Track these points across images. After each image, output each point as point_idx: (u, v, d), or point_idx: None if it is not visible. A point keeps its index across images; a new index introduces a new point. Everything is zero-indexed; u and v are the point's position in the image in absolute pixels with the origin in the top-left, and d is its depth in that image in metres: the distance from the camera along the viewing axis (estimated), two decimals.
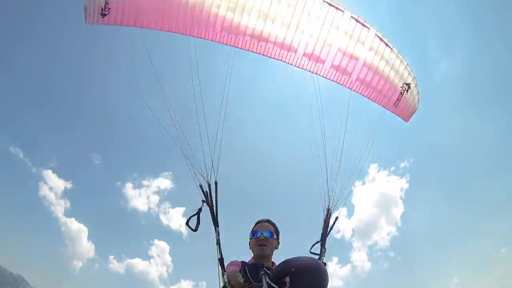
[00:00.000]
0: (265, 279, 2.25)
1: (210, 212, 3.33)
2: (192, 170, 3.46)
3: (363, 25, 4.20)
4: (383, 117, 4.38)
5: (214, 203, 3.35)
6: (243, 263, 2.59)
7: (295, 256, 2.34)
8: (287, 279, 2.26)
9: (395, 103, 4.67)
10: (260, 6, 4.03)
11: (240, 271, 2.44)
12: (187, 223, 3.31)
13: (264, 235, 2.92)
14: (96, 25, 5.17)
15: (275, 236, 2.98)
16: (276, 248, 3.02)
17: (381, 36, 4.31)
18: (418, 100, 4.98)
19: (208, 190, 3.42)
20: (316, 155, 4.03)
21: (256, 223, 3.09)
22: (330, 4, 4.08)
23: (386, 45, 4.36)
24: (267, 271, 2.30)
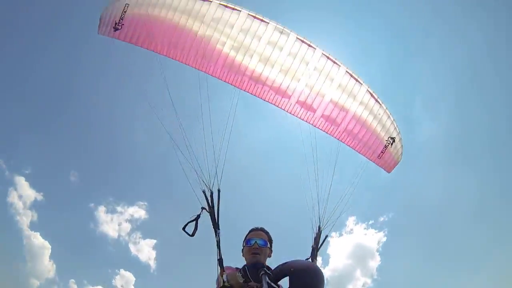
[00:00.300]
0: (265, 279, 2.29)
1: (211, 217, 3.39)
2: (197, 176, 3.58)
3: (357, 80, 4.44)
4: (365, 171, 4.57)
5: (216, 210, 3.42)
6: (238, 268, 2.67)
7: (293, 259, 2.46)
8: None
9: (379, 155, 4.89)
10: (263, 50, 4.24)
11: (240, 271, 2.49)
12: (183, 228, 3.35)
13: (258, 244, 2.93)
14: (107, 37, 5.32)
15: (268, 245, 3.02)
16: (269, 256, 3.04)
17: (372, 92, 4.56)
18: (401, 153, 5.22)
19: (209, 197, 3.50)
20: (308, 182, 4.18)
21: (250, 231, 3.12)
22: (328, 58, 4.32)
23: (376, 100, 4.61)
24: (267, 271, 2.34)
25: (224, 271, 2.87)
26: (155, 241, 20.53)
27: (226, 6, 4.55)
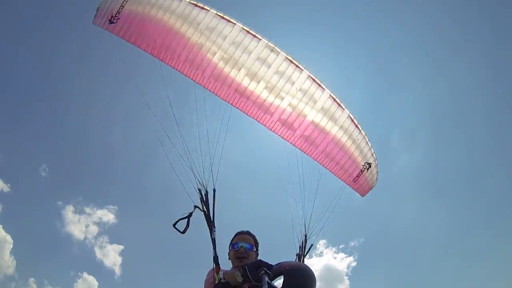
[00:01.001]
0: (265, 279, 2.28)
1: (205, 216, 3.40)
2: (192, 175, 3.59)
3: (339, 105, 4.57)
4: (338, 196, 4.64)
5: (211, 209, 3.43)
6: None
7: (286, 260, 2.55)
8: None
9: (354, 179, 5.02)
10: (251, 65, 4.31)
11: (239, 270, 2.47)
12: (174, 225, 3.33)
13: (244, 248, 2.93)
14: (102, 28, 5.30)
15: (254, 248, 3.01)
16: (255, 260, 3.02)
17: (352, 117, 4.69)
18: (376, 179, 5.37)
19: (203, 196, 3.50)
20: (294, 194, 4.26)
21: (236, 235, 3.10)
22: (314, 80, 4.43)
23: (356, 126, 4.74)
24: (267, 270, 2.33)
25: (219, 268, 2.88)
26: (122, 247, 19.97)
27: (222, 17, 4.61)
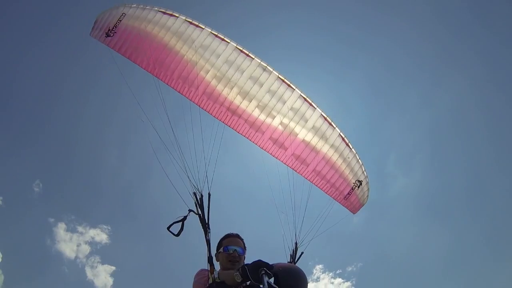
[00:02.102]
0: (265, 278, 2.27)
1: (200, 219, 3.41)
2: (187, 178, 3.62)
3: (330, 124, 4.63)
4: (335, 219, 4.62)
5: (206, 212, 3.45)
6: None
7: (279, 261, 2.55)
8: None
9: (345, 197, 5.05)
10: (243, 84, 4.38)
11: (238, 270, 2.45)
12: (168, 228, 3.33)
13: (238, 252, 2.95)
14: (98, 41, 5.37)
15: (245, 253, 3.04)
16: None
17: (343, 136, 4.75)
18: (367, 196, 5.40)
19: (198, 200, 3.52)
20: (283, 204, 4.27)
21: (226, 237, 3.10)
22: (305, 100, 4.50)
23: (347, 144, 4.80)
24: (267, 270, 2.31)
25: (214, 269, 2.87)
26: (114, 268, 19.38)
27: (216, 36, 4.70)
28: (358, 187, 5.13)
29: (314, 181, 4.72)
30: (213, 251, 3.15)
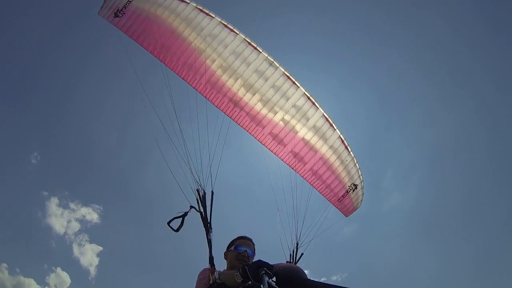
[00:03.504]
0: (266, 278, 2.28)
1: (201, 217, 3.39)
2: (191, 176, 3.58)
3: (331, 125, 4.62)
4: (325, 227, 4.61)
5: (208, 210, 3.43)
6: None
7: (279, 262, 2.56)
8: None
9: (339, 199, 5.05)
10: (248, 76, 4.35)
11: (238, 270, 2.46)
12: (168, 223, 3.32)
13: (248, 253, 2.99)
14: (106, 20, 5.31)
15: (254, 257, 3.06)
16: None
17: (343, 138, 4.74)
18: (361, 200, 5.41)
19: (200, 197, 3.49)
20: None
21: (240, 238, 3.15)
22: (308, 98, 4.48)
23: (346, 147, 4.79)
24: (268, 270, 2.32)
25: (215, 269, 2.87)
26: (101, 248, 19.39)
27: (225, 26, 4.66)
28: (353, 190, 5.14)
29: (310, 181, 4.72)
30: (214, 251, 3.15)
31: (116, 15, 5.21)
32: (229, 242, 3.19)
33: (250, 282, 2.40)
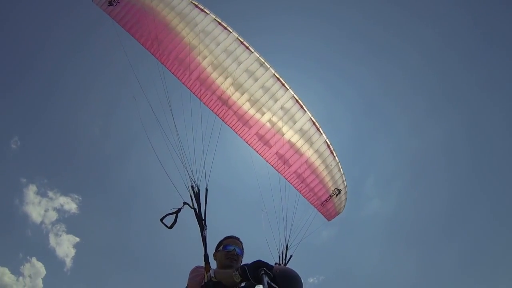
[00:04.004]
0: (265, 278, 2.28)
1: (196, 215, 3.37)
2: (185, 171, 3.55)
3: (317, 129, 4.65)
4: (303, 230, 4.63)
5: (203, 207, 3.41)
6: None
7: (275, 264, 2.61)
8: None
9: (322, 203, 5.10)
10: (238, 76, 4.35)
11: (237, 270, 2.44)
12: (161, 220, 3.30)
13: (236, 251, 3.00)
14: (99, 7, 5.24)
15: (242, 255, 3.07)
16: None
17: (329, 143, 4.78)
18: (344, 205, 5.47)
19: (194, 194, 3.46)
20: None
21: (227, 238, 3.15)
22: (297, 101, 4.50)
23: (331, 152, 4.84)
24: (267, 271, 2.32)
25: (210, 267, 2.87)
26: (78, 239, 19.05)
27: (219, 23, 4.64)
28: (337, 195, 5.19)
29: (294, 183, 4.75)
30: (209, 248, 3.15)
31: (110, 4, 5.14)
32: (217, 243, 3.19)
33: (246, 283, 2.43)
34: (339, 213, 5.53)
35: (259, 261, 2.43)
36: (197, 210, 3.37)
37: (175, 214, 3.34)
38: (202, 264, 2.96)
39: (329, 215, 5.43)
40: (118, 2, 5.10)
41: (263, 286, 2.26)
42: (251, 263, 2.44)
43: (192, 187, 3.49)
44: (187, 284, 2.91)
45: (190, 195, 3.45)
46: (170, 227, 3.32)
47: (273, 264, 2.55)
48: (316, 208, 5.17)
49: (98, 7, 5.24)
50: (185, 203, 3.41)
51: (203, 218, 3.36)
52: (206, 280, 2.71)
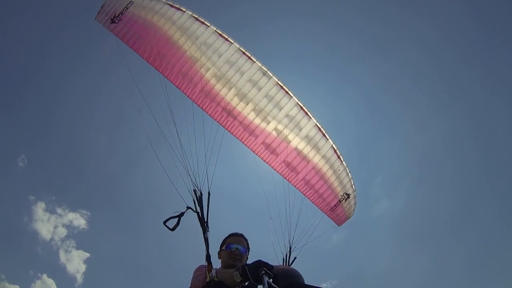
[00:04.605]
0: (266, 278, 2.27)
1: (198, 218, 3.41)
2: (187, 176, 3.61)
3: (323, 135, 4.65)
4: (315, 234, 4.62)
5: (205, 211, 3.45)
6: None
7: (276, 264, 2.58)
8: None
9: (332, 208, 5.07)
10: (242, 86, 4.38)
11: (237, 270, 2.44)
12: (164, 223, 3.33)
13: (239, 250, 2.96)
14: (102, 25, 5.34)
15: (247, 253, 3.05)
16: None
17: (336, 148, 4.77)
18: (354, 210, 5.43)
19: (196, 198, 3.51)
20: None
21: (230, 235, 3.13)
22: (301, 108, 4.51)
23: (338, 157, 4.82)
24: (268, 271, 2.31)
25: (212, 267, 2.87)
26: (88, 255, 19.04)
27: (220, 35, 4.69)
28: (346, 200, 5.16)
29: (302, 190, 4.73)
30: (211, 249, 3.16)
31: (112, 21, 5.24)
32: (221, 241, 3.18)
33: (248, 282, 2.41)
34: (349, 218, 5.49)
35: (259, 261, 2.41)
36: (199, 213, 3.42)
37: (178, 218, 3.37)
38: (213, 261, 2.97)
39: (339, 220, 5.39)
40: (120, 19, 5.19)
41: (263, 286, 2.25)
42: (252, 263, 2.43)
43: (195, 191, 3.54)
44: (191, 283, 2.91)
45: (193, 199, 3.50)
46: (173, 229, 3.34)
47: (280, 265, 2.55)
48: (325, 213, 5.14)
49: (101, 25, 5.36)
50: (188, 207, 3.45)
51: (206, 220, 3.40)
52: (208, 280, 2.72)
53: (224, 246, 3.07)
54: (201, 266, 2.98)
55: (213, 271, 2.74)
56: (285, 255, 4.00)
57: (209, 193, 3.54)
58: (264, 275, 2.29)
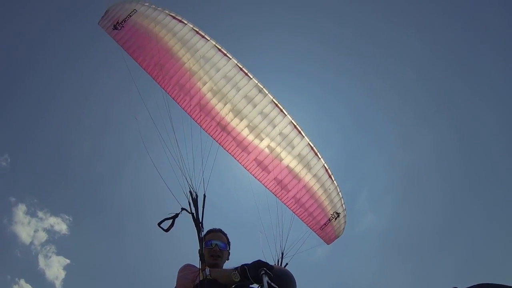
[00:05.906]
0: (265, 278, 2.27)
1: (193, 219, 3.40)
2: (182, 176, 3.63)
3: (316, 154, 4.68)
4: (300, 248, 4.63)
5: (200, 213, 3.44)
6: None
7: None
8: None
9: (321, 227, 5.08)
10: (238, 102, 4.42)
11: (236, 269, 2.44)
12: (159, 224, 3.33)
13: (219, 246, 2.95)
14: (104, 30, 5.40)
15: (227, 248, 3.03)
16: (227, 259, 3.04)
17: (327, 167, 4.80)
18: (343, 228, 5.44)
19: (191, 200, 3.51)
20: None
21: (209, 232, 3.12)
22: (295, 127, 4.55)
23: (329, 176, 4.85)
24: (267, 271, 2.31)
25: (206, 266, 2.83)
26: (68, 261, 18.44)
27: (219, 50, 4.76)
28: (336, 219, 5.17)
29: (292, 208, 4.75)
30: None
31: (115, 28, 5.30)
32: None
33: (241, 282, 2.42)
34: (338, 237, 5.49)
35: (259, 261, 2.40)
36: (194, 214, 3.42)
37: (172, 219, 3.37)
38: (197, 263, 2.92)
39: (329, 239, 5.39)
40: (123, 27, 5.26)
41: (263, 286, 2.24)
42: (251, 263, 2.42)
43: (191, 192, 3.55)
44: (177, 283, 2.85)
45: (188, 200, 3.51)
46: (167, 230, 3.34)
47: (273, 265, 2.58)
48: (315, 232, 5.15)
49: (103, 30, 5.42)
50: (183, 208, 3.45)
51: (201, 221, 3.39)
52: (201, 279, 2.68)
53: (203, 243, 3.06)
54: (188, 265, 2.95)
55: (207, 270, 2.73)
56: (277, 261, 4.00)
57: (204, 195, 3.55)
58: (264, 275, 2.29)
